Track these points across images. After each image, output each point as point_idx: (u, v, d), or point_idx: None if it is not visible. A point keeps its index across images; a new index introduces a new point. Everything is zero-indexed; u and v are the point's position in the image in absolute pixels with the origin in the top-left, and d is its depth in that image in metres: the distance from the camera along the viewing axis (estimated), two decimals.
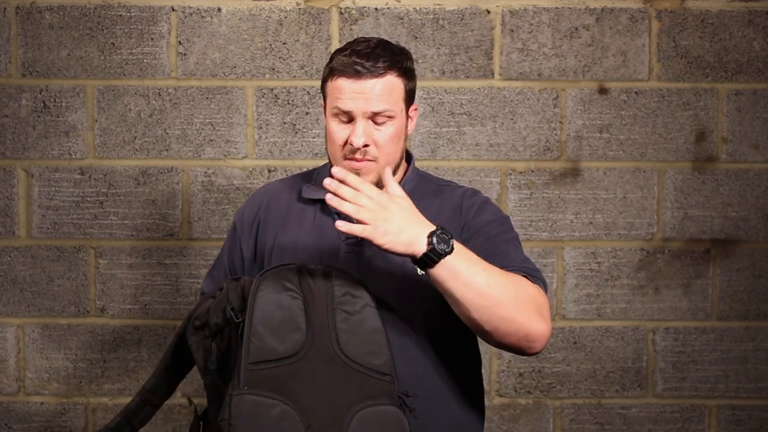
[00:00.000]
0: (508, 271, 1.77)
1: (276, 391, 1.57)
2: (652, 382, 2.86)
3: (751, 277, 2.86)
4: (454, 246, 1.66)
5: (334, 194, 1.65)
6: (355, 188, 1.66)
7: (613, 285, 2.85)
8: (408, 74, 1.90)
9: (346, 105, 1.84)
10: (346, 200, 1.65)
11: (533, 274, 1.82)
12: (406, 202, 1.69)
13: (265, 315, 1.62)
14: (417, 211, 1.70)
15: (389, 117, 1.85)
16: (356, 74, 1.83)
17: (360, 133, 1.83)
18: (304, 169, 2.78)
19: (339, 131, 1.87)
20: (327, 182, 1.65)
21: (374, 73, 1.83)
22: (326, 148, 1.94)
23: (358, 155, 1.85)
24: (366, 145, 1.84)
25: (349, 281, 1.71)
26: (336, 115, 1.86)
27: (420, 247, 1.65)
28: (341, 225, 1.65)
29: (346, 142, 1.85)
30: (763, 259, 2.86)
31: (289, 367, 1.59)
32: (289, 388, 1.57)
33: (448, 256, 1.65)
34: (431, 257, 1.65)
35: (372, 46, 1.88)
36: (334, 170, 1.67)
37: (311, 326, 1.63)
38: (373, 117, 1.84)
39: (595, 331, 2.86)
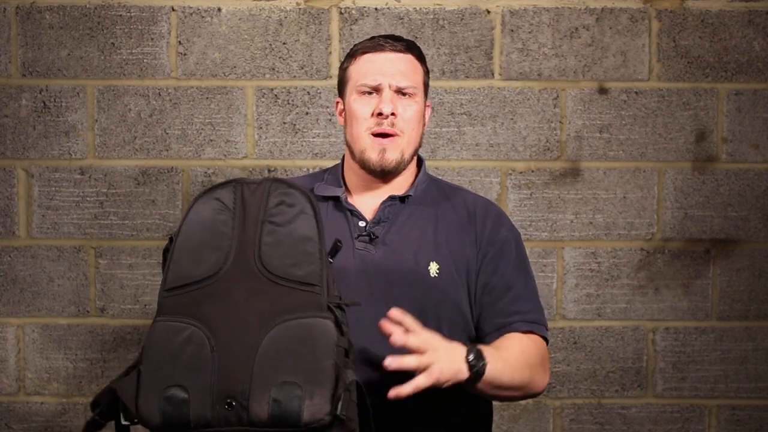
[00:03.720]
0: (512, 326, 1.87)
1: (188, 315, 1.50)
2: (652, 382, 2.86)
3: (751, 277, 2.86)
4: (486, 358, 1.72)
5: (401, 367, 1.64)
6: (415, 349, 1.66)
7: (613, 285, 2.85)
8: (425, 64, 1.99)
9: (374, 77, 1.90)
10: (418, 366, 1.65)
11: (538, 322, 1.91)
12: (435, 334, 1.72)
13: (186, 238, 1.56)
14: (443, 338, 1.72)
15: (412, 95, 1.91)
16: (380, 48, 1.92)
17: (387, 101, 1.88)
18: (305, 170, 2.80)
19: (364, 105, 1.91)
20: (390, 364, 1.63)
21: (398, 49, 1.92)
22: (346, 137, 1.97)
23: (385, 126, 1.89)
24: (393, 115, 1.88)
25: (288, 190, 1.60)
26: (361, 92, 1.92)
27: (463, 375, 1.70)
28: (401, 390, 1.64)
29: (372, 114, 1.89)
30: (763, 259, 2.86)
31: (205, 289, 1.52)
32: (202, 310, 1.50)
33: (485, 372, 1.73)
34: (473, 380, 1.71)
35: (390, 34, 2.04)
36: (387, 361, 1.63)
37: (235, 243, 1.54)
38: (399, 91, 1.90)
39: (595, 331, 2.86)
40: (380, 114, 1.88)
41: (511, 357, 1.80)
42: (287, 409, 1.42)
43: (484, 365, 1.70)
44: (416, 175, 1.99)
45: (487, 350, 1.73)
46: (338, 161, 2.09)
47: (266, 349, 1.46)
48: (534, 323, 1.90)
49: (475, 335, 1.93)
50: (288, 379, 1.44)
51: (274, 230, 1.55)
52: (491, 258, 1.91)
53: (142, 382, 1.48)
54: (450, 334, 1.84)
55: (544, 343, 1.92)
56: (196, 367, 1.46)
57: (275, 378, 1.44)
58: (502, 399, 1.86)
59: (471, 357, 1.69)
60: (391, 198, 1.93)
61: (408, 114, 1.90)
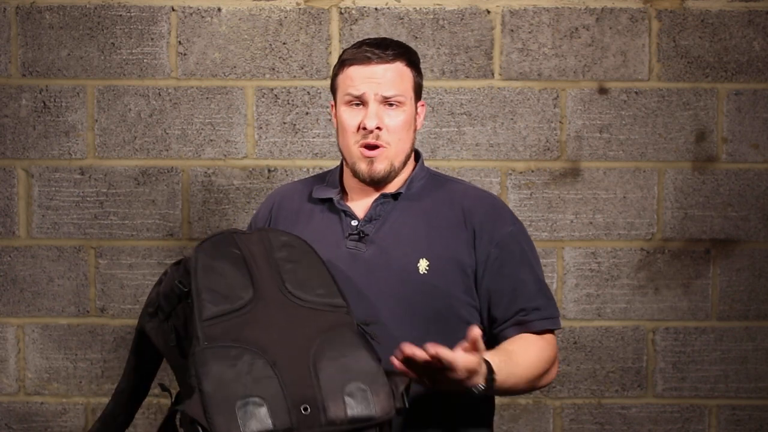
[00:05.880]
0: (531, 324, 1.92)
1: (235, 340, 1.59)
2: (652, 382, 2.86)
3: (751, 277, 2.86)
4: (495, 372, 1.73)
5: None
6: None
7: (613, 285, 2.85)
8: (416, 68, 1.97)
9: (358, 89, 1.89)
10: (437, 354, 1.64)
11: (552, 317, 1.97)
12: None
13: (210, 275, 1.65)
14: None
15: (400, 103, 1.91)
16: (366, 60, 1.90)
17: (372, 115, 1.88)
18: (304, 170, 2.80)
19: (351, 117, 1.91)
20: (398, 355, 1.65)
21: (384, 59, 1.90)
22: (338, 144, 1.98)
23: (371, 139, 1.89)
24: (378, 128, 1.88)
25: (284, 234, 1.77)
26: (348, 102, 1.92)
27: (477, 381, 1.71)
28: (415, 351, 1.64)
29: (358, 128, 1.90)
30: (763, 259, 2.86)
31: (243, 317, 1.62)
32: (246, 335, 1.59)
33: (495, 378, 1.74)
34: (483, 390, 1.72)
35: (380, 38, 1.98)
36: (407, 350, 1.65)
37: (255, 277, 1.67)
38: (385, 102, 1.90)
39: (595, 331, 2.86)
40: (365, 128, 1.88)
41: (523, 361, 1.85)
42: (362, 408, 1.55)
43: (492, 377, 1.74)
44: (413, 170, 1.99)
45: (498, 361, 1.77)
46: (337, 161, 2.09)
47: (322, 358, 1.58)
48: (549, 319, 1.96)
49: (488, 329, 1.94)
50: (354, 383, 1.56)
51: (289, 262, 1.70)
52: (496, 259, 1.91)
53: (211, 402, 1.52)
54: (439, 332, 1.84)
55: (555, 338, 1.99)
56: (264, 380, 1.54)
57: (343, 382, 1.56)
58: (508, 395, 1.89)
59: (488, 374, 1.73)
60: (383, 196, 1.94)
61: (394, 124, 1.90)
